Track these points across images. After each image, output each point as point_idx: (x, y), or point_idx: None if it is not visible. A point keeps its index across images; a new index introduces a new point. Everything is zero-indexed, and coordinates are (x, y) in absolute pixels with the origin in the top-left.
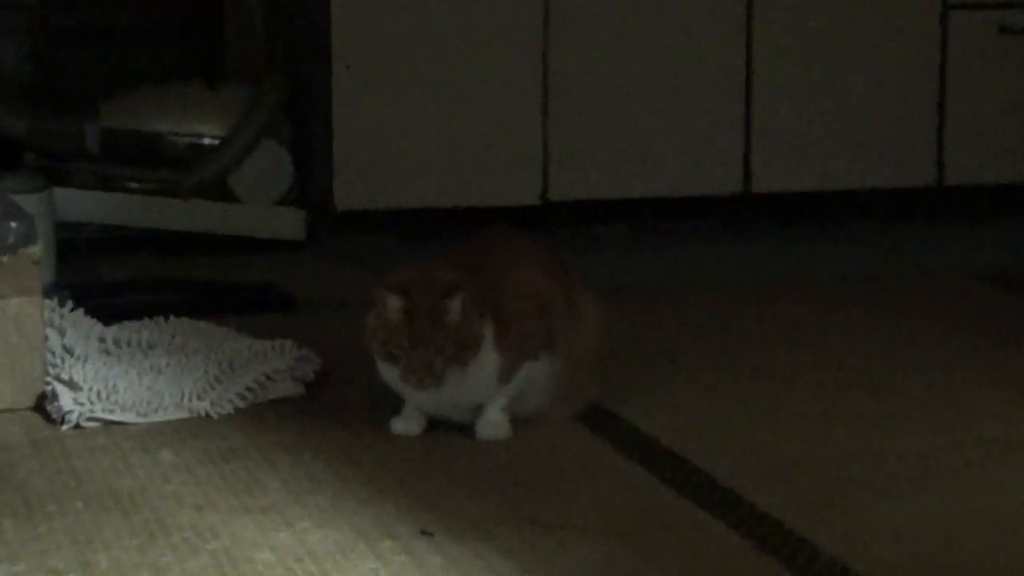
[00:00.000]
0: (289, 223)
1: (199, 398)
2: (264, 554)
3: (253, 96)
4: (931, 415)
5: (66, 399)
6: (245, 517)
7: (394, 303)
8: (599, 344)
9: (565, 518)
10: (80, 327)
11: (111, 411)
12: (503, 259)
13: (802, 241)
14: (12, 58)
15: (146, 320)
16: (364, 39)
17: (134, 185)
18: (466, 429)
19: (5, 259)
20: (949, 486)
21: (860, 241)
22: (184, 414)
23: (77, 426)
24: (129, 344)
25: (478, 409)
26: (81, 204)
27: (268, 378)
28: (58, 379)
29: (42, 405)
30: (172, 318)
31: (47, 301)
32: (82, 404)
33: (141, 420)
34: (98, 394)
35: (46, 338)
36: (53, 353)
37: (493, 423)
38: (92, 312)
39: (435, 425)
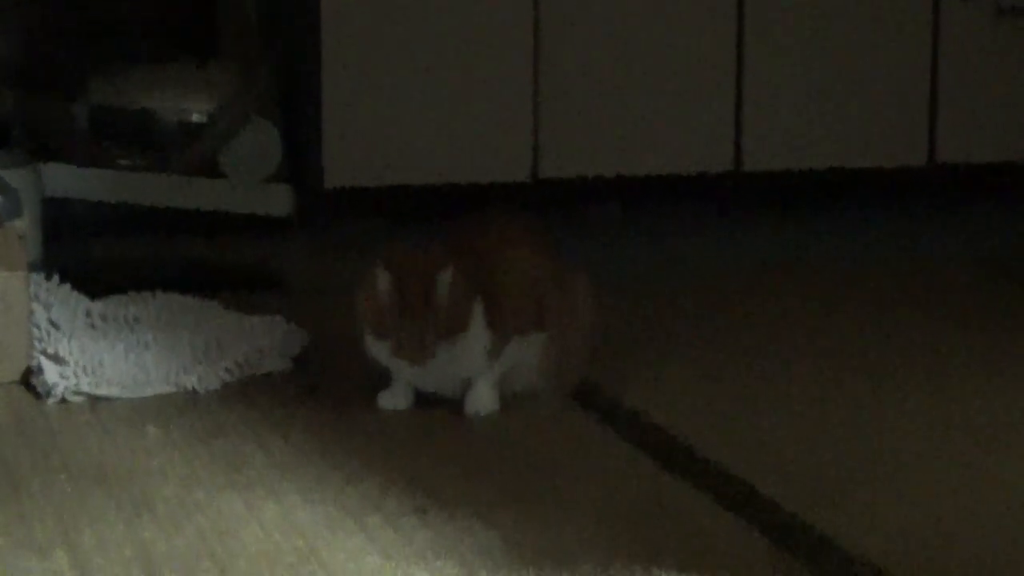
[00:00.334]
0: (276, 199)
1: (186, 373)
2: (251, 529)
3: (243, 74)
4: (924, 400)
5: (51, 373)
6: (231, 492)
7: (385, 278)
8: (590, 324)
9: (556, 495)
10: (67, 302)
11: (97, 385)
12: (495, 239)
13: (793, 221)
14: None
15: (133, 295)
16: (353, 16)
17: (123, 162)
18: (455, 404)
19: None
20: (946, 468)
21: (852, 221)
22: (171, 389)
23: (63, 400)
24: (116, 319)
25: (467, 383)
26: (69, 180)
27: (257, 353)
28: (44, 353)
29: (27, 379)
30: (159, 293)
31: (33, 275)
32: (67, 378)
33: (127, 395)
34: (84, 368)
35: (32, 312)
36: (39, 327)
37: (481, 397)
38: (79, 287)
39: (423, 400)
